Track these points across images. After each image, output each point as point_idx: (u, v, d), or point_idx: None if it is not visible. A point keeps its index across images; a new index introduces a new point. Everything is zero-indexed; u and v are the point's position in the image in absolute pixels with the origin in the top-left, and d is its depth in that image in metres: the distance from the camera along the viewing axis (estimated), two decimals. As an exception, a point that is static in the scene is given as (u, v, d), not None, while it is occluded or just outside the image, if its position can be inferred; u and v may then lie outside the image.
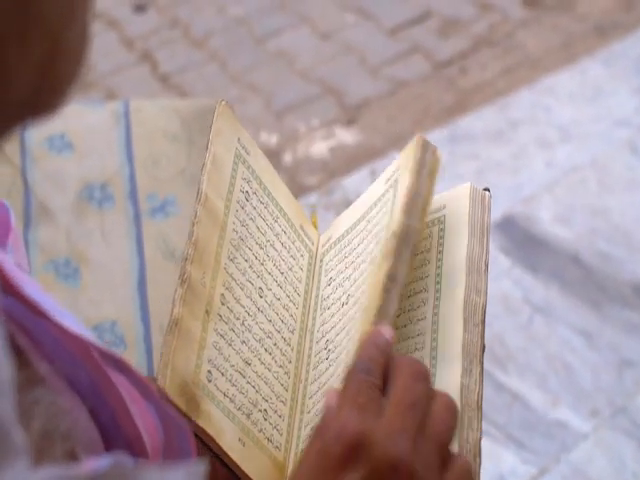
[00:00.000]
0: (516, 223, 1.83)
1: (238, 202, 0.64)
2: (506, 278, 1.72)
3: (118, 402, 0.47)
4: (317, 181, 1.96)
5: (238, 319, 0.60)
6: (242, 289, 0.62)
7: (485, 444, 1.51)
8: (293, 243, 0.69)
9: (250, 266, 0.63)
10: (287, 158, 2.03)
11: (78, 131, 1.13)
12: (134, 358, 0.97)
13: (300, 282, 0.67)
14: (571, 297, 1.68)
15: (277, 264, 0.66)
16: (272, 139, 2.08)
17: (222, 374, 0.57)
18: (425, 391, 0.47)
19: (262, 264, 0.64)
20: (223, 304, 0.59)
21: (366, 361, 0.48)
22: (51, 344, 0.46)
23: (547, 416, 1.50)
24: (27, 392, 0.42)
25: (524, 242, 1.79)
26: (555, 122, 2.09)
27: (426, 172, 0.62)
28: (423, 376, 0.47)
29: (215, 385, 0.56)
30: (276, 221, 0.68)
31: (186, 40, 2.39)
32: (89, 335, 0.44)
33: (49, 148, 1.12)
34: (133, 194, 1.08)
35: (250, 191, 0.66)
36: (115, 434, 0.49)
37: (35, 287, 0.44)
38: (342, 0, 2.53)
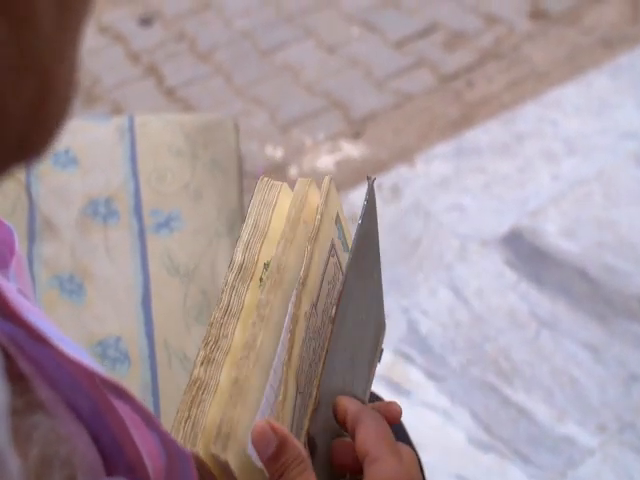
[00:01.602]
0: (522, 237, 1.82)
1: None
2: (512, 292, 1.71)
3: (120, 426, 0.47)
4: (323, 194, 1.96)
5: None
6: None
7: (491, 459, 1.51)
8: None
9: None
10: (293, 172, 2.03)
11: (83, 146, 1.13)
12: (138, 374, 0.97)
13: None
14: (578, 311, 1.68)
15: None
16: (278, 153, 2.08)
17: None
18: (390, 432, 0.56)
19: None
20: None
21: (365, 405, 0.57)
22: (53, 370, 0.46)
23: (554, 431, 1.49)
24: (26, 418, 0.42)
25: (530, 256, 1.78)
26: (561, 135, 2.08)
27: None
28: (381, 420, 0.56)
29: None
30: None
31: (192, 54, 2.40)
32: (90, 362, 0.44)
33: (54, 163, 1.12)
34: (137, 209, 1.08)
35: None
36: (117, 458, 0.48)
37: (36, 313, 0.44)
38: (348, 13, 2.54)
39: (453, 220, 1.87)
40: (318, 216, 0.60)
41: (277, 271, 0.58)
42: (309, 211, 0.62)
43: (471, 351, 1.60)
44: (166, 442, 0.47)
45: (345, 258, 0.65)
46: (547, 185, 1.95)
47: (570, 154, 2.03)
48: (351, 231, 0.65)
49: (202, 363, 0.56)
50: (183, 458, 0.47)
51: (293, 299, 0.57)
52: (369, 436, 0.52)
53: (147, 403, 0.95)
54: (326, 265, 0.61)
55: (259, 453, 0.51)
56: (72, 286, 1.02)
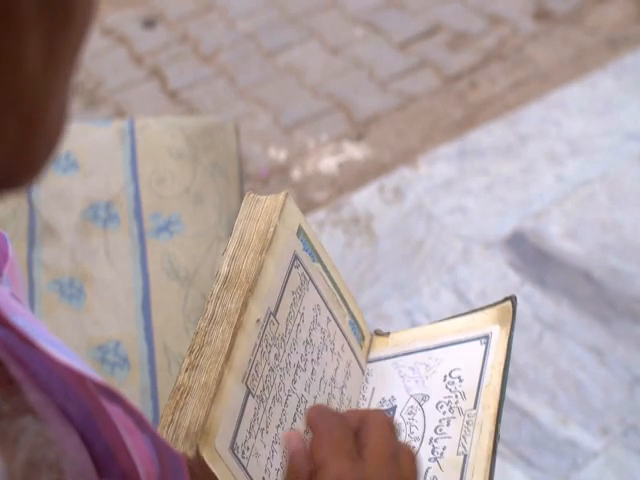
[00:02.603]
0: (526, 238, 1.82)
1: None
2: (516, 294, 1.70)
3: (113, 432, 0.47)
4: (326, 197, 1.95)
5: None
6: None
7: (494, 462, 1.49)
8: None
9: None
10: (296, 174, 2.03)
11: (83, 150, 1.13)
12: (138, 379, 0.97)
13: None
14: (582, 313, 1.67)
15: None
16: (281, 154, 2.08)
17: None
18: (398, 442, 0.52)
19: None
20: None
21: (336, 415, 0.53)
22: (45, 374, 0.46)
23: (557, 434, 1.49)
24: (14, 421, 0.42)
25: (534, 258, 1.78)
26: (565, 136, 2.08)
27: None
28: (395, 429, 0.52)
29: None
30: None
31: (195, 56, 2.40)
32: (82, 366, 0.43)
33: (54, 167, 1.11)
34: (138, 213, 1.08)
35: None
36: (110, 465, 0.48)
37: (27, 317, 0.44)
38: (351, 15, 2.53)
39: (456, 222, 1.86)
40: (271, 229, 0.64)
41: (246, 280, 0.61)
42: (286, 224, 0.66)
43: (474, 353, 1.59)
44: (158, 445, 0.47)
45: (315, 269, 0.67)
46: (551, 186, 1.95)
47: (574, 155, 2.02)
48: (322, 242, 0.70)
49: (187, 369, 0.58)
50: (175, 461, 0.47)
51: (238, 306, 0.60)
52: (316, 440, 0.51)
53: (146, 407, 0.95)
54: (287, 275, 0.64)
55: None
56: (72, 290, 1.02)
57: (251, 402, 0.58)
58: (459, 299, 1.69)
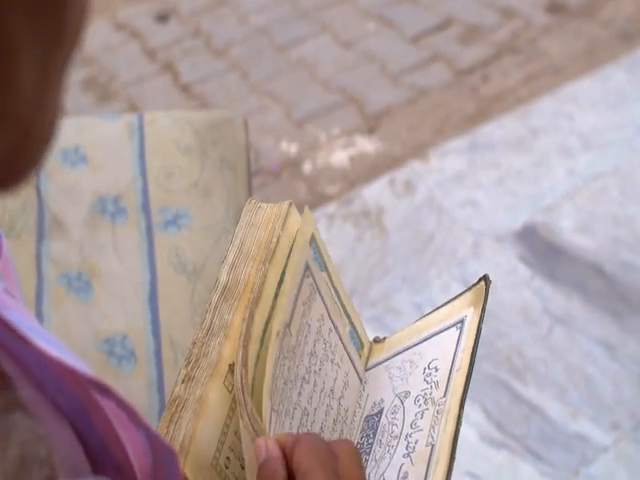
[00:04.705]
0: (537, 232, 1.81)
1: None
2: (526, 288, 1.70)
3: (106, 426, 0.47)
4: (337, 190, 1.96)
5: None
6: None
7: (503, 456, 1.50)
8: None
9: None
10: (307, 167, 2.03)
11: (92, 144, 1.14)
12: (144, 372, 0.97)
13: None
14: (592, 308, 1.67)
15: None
16: (292, 148, 2.08)
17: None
18: (326, 447, 0.51)
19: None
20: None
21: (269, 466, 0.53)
22: (39, 370, 0.46)
23: (567, 428, 1.48)
24: (5, 417, 0.42)
25: (545, 252, 1.77)
26: (577, 130, 2.07)
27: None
28: (317, 438, 0.52)
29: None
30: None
31: (208, 50, 2.40)
32: (73, 360, 0.44)
33: (63, 161, 1.12)
34: (146, 207, 1.09)
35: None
36: (105, 459, 0.49)
37: (19, 312, 0.44)
38: (364, 8, 2.53)
39: (467, 215, 1.86)
40: (274, 239, 0.62)
41: (250, 291, 0.59)
42: (288, 234, 0.64)
43: (483, 347, 1.59)
44: (152, 438, 0.47)
45: (322, 278, 0.66)
46: (562, 180, 1.94)
47: (586, 149, 2.01)
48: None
49: (183, 381, 0.57)
50: (169, 455, 0.47)
51: (246, 316, 0.58)
52: (302, 450, 0.51)
53: (153, 401, 0.96)
54: (300, 286, 0.62)
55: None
56: (80, 284, 1.03)
57: (272, 418, 0.56)
58: (469, 293, 1.69)
